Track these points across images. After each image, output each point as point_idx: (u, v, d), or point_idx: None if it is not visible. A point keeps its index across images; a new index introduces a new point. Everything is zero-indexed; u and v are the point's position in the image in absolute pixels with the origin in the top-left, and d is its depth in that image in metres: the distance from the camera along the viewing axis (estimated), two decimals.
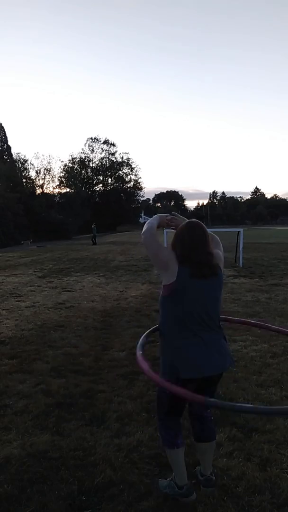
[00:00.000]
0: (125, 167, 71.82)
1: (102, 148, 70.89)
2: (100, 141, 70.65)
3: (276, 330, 2.84)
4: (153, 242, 2.25)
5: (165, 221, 2.44)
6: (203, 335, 2.16)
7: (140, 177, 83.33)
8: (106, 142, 70.63)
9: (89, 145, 70.99)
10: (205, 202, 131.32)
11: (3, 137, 52.23)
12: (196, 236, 2.17)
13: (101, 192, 70.99)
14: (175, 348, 2.16)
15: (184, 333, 2.16)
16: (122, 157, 71.37)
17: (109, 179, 71.99)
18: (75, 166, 66.94)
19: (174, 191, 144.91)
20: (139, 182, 73.74)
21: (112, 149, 71.14)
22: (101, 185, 72.33)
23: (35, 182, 53.27)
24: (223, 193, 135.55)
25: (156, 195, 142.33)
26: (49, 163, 54.08)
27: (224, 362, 2.20)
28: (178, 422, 2.40)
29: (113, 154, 71.14)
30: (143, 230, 2.31)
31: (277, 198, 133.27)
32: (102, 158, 70.91)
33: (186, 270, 2.13)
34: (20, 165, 51.80)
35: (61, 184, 58.90)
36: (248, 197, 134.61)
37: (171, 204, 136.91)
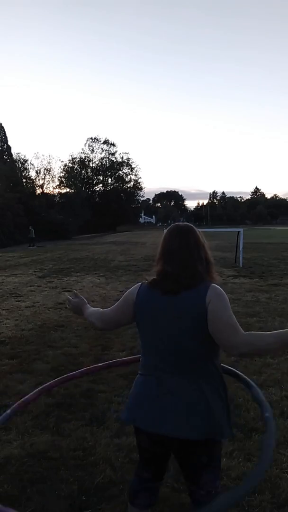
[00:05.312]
0: (125, 167, 71.73)
1: (102, 148, 70.82)
2: (100, 141, 70.58)
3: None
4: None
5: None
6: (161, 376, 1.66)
7: (140, 177, 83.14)
8: (106, 142, 70.55)
9: (89, 145, 70.92)
10: (205, 202, 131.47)
11: (3, 137, 52.14)
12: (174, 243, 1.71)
13: (101, 192, 70.87)
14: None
15: (142, 369, 1.76)
16: (122, 157, 71.32)
17: (109, 179, 71.87)
18: (75, 166, 66.81)
19: (174, 191, 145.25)
20: (139, 182, 73.65)
21: (112, 149, 71.09)
22: (101, 185, 72.22)
23: (35, 182, 53.23)
24: (223, 193, 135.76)
25: (156, 195, 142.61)
26: (49, 163, 54.04)
27: (176, 424, 1.58)
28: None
29: (113, 154, 71.08)
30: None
31: (277, 198, 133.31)
32: (102, 158, 70.84)
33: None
34: (20, 165, 51.70)
35: (61, 184, 58.86)
36: (248, 197, 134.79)
37: (171, 204, 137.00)
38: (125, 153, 73.25)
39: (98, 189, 71.81)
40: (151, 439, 1.71)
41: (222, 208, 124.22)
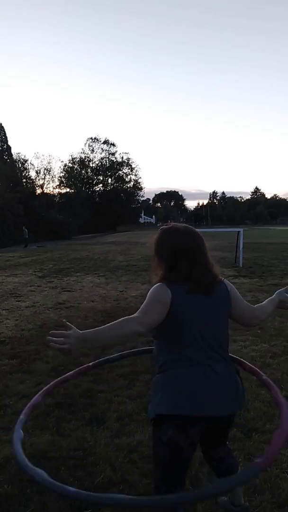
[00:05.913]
0: (125, 167, 71.73)
1: (102, 148, 70.84)
2: (100, 141, 70.59)
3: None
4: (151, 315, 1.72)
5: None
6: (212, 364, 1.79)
7: (140, 177, 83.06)
8: (106, 142, 70.55)
9: (89, 145, 70.92)
10: (205, 202, 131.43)
11: (3, 137, 52.12)
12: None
13: (101, 192, 70.90)
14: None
15: (179, 362, 1.78)
16: (122, 157, 71.31)
17: (109, 179, 71.88)
18: (75, 166, 66.86)
19: (174, 191, 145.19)
20: (139, 182, 73.64)
21: (112, 149, 71.10)
22: (101, 185, 72.25)
23: (35, 182, 53.27)
24: (223, 193, 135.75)
25: (156, 195, 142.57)
26: (49, 163, 54.07)
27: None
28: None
29: (113, 154, 71.08)
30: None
31: (277, 198, 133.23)
32: (102, 158, 70.86)
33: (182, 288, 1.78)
34: (20, 165, 51.75)
35: (61, 184, 58.92)
36: (248, 197, 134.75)
37: (171, 204, 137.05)
38: (125, 153, 73.36)
39: (98, 189, 71.85)
40: (207, 423, 1.78)
41: (222, 208, 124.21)
